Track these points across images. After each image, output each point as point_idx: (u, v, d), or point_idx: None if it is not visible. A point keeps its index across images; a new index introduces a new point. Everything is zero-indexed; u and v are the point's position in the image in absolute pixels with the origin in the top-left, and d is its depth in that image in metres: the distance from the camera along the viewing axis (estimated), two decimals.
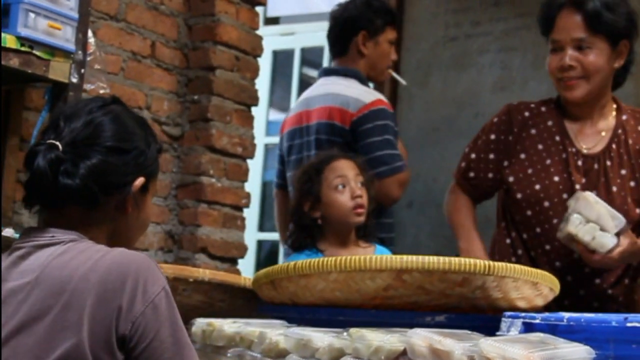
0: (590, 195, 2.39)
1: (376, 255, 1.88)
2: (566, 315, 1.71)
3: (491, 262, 1.82)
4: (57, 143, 1.67)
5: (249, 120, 3.25)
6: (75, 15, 2.37)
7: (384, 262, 1.84)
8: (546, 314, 1.74)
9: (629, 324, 1.61)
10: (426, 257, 1.83)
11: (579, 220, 2.36)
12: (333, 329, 1.82)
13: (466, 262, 1.81)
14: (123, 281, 1.58)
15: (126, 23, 2.98)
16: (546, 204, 2.57)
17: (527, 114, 2.64)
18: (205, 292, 2.16)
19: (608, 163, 2.53)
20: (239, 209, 3.20)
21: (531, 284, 1.91)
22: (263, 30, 3.50)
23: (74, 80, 2.40)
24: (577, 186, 2.52)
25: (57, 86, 2.39)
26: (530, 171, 2.59)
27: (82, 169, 1.66)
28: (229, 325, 1.98)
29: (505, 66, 4.48)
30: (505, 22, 4.51)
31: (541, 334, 1.63)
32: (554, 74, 2.55)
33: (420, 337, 1.57)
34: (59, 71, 2.36)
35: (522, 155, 2.60)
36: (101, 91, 2.80)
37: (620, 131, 2.56)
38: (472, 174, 2.72)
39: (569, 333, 1.65)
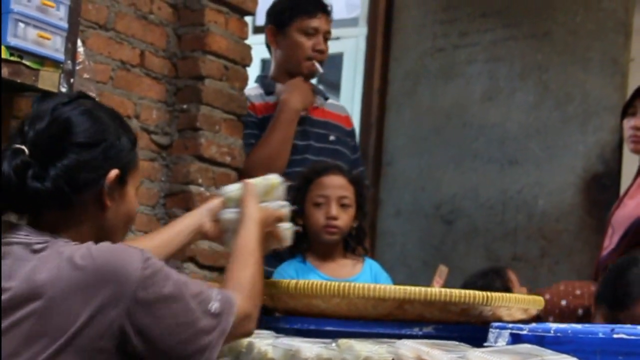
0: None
1: (379, 285, 1.91)
2: (553, 326, 1.73)
3: (489, 294, 1.86)
4: (23, 147, 1.62)
5: (237, 129, 3.26)
6: (65, 25, 2.37)
7: (386, 292, 1.87)
8: (533, 325, 1.76)
9: (615, 335, 1.63)
10: (428, 289, 1.86)
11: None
12: (321, 339, 1.83)
13: (466, 294, 1.85)
14: (99, 281, 1.54)
15: (115, 32, 2.98)
16: None
17: None
18: None
19: None
20: None
21: (523, 310, 1.95)
22: (252, 40, 3.51)
23: (63, 89, 2.40)
24: None
25: (46, 95, 2.39)
26: None
27: (51, 170, 1.62)
28: None
29: (493, 76, 4.50)
30: (493, 33, 4.53)
31: (528, 345, 1.64)
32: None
33: (408, 348, 1.58)
34: (49, 81, 2.35)
35: None
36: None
37: None
38: None
39: (556, 344, 1.66)
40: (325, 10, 3.44)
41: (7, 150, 1.64)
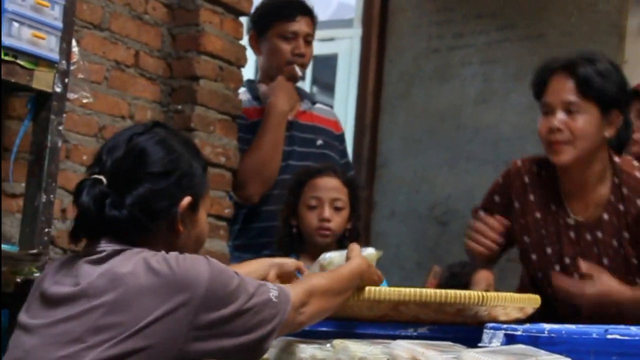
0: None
1: (374, 287, 1.91)
2: (547, 327, 1.73)
3: (484, 294, 1.86)
4: (101, 177, 1.70)
5: (232, 130, 3.25)
6: (60, 24, 2.37)
7: (381, 294, 1.87)
8: (528, 326, 1.76)
9: (609, 336, 1.63)
10: (423, 290, 1.87)
11: None
12: (316, 339, 1.83)
13: (461, 294, 1.85)
14: (176, 280, 1.61)
15: (110, 32, 2.98)
16: (539, 275, 2.61)
17: (527, 179, 2.62)
18: None
19: (599, 234, 2.51)
20: (222, 219, 3.20)
21: (518, 309, 1.95)
22: (247, 41, 3.50)
23: (58, 89, 2.39)
24: (566, 258, 2.53)
25: (41, 95, 2.39)
26: (527, 239, 2.60)
27: (127, 199, 1.68)
28: None
29: (487, 78, 4.51)
30: (487, 35, 4.54)
31: (523, 346, 1.64)
32: (543, 137, 2.51)
33: (403, 349, 1.58)
34: (43, 80, 2.35)
35: (522, 221, 2.60)
36: (84, 100, 2.79)
37: (614, 200, 2.52)
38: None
39: (550, 345, 1.67)
40: (305, 13, 3.41)
41: (86, 180, 1.71)
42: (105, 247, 1.68)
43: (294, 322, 1.73)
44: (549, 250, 2.56)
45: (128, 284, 1.60)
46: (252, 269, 2.09)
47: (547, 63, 2.58)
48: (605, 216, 2.51)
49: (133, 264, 1.63)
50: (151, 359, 1.58)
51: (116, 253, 1.66)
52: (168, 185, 1.72)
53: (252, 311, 1.65)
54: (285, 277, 2.09)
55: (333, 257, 2.10)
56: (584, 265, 2.39)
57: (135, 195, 1.68)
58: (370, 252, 2.11)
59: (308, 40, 3.41)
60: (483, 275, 2.68)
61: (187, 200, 1.74)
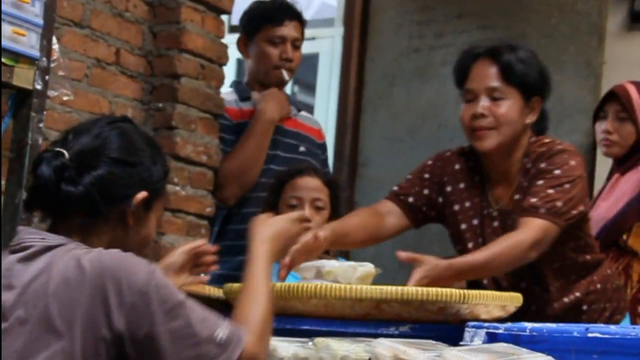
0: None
1: (356, 285, 1.91)
2: (529, 325, 1.74)
3: (466, 292, 1.87)
4: (64, 151, 1.70)
5: (214, 128, 3.24)
6: (40, 21, 2.36)
7: (363, 292, 1.88)
8: (509, 325, 1.77)
9: (590, 335, 1.64)
10: (405, 288, 1.87)
11: None
12: (298, 338, 1.82)
13: (442, 292, 1.86)
14: (103, 280, 1.57)
15: (90, 30, 2.97)
16: None
17: (457, 166, 2.61)
18: None
19: (514, 216, 2.48)
20: (203, 217, 3.19)
21: (500, 307, 1.96)
22: (228, 39, 3.50)
23: (38, 86, 2.38)
24: None
25: (21, 92, 2.37)
26: (464, 227, 2.58)
27: (85, 177, 1.69)
28: None
29: None
30: (468, 35, 4.55)
31: (504, 344, 1.65)
32: (467, 124, 2.51)
33: (385, 347, 1.58)
34: (23, 78, 2.34)
35: (456, 207, 2.58)
36: (65, 98, 2.77)
37: (522, 179, 2.51)
38: (409, 199, 2.65)
39: (532, 343, 1.68)
40: (294, 17, 3.40)
41: (48, 151, 1.72)
42: (36, 239, 1.66)
43: None
44: (470, 245, 2.55)
45: (58, 287, 1.58)
46: (170, 260, 2.10)
47: (468, 50, 2.58)
48: (517, 196, 2.51)
49: (64, 263, 1.60)
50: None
51: (47, 249, 1.65)
52: (128, 175, 1.73)
53: (189, 341, 1.58)
54: None
55: (334, 268, 2.07)
56: (401, 255, 2.26)
57: (94, 175, 1.69)
58: (369, 268, 2.08)
59: (296, 45, 3.40)
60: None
61: (143, 194, 1.74)
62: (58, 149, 1.72)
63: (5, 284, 1.62)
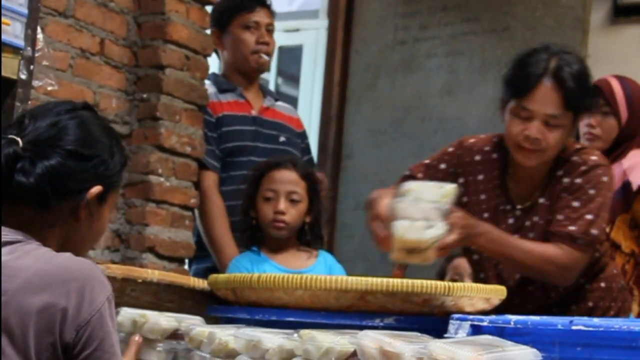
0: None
1: (342, 276, 1.92)
2: (513, 318, 1.74)
3: (451, 284, 1.88)
4: (18, 139, 1.64)
5: (198, 119, 3.24)
6: (25, 11, 2.34)
7: (348, 284, 1.88)
8: (493, 317, 1.77)
9: (574, 327, 1.65)
10: (390, 280, 1.88)
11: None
12: (283, 330, 1.83)
13: (428, 284, 1.87)
14: (69, 287, 1.55)
15: (75, 20, 2.95)
16: (475, 257, 2.62)
17: (477, 157, 2.60)
18: (154, 293, 2.15)
19: (535, 219, 2.51)
20: (188, 208, 3.18)
21: (484, 300, 1.96)
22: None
23: (23, 76, 2.37)
24: None
25: (6, 82, 2.36)
26: None
27: (38, 168, 1.63)
28: (165, 319, 1.98)
29: (453, 70, 4.53)
30: (453, 27, 4.56)
31: (489, 337, 1.65)
32: (515, 140, 2.48)
33: (371, 339, 1.58)
34: (8, 67, 2.32)
35: (465, 199, 2.56)
36: (49, 88, 2.77)
37: (550, 183, 2.53)
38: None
39: (516, 335, 1.68)
40: (264, 4, 3.47)
41: (1, 138, 1.65)
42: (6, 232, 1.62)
43: None
44: None
45: (15, 286, 1.54)
46: None
47: (533, 66, 2.49)
48: (542, 200, 2.53)
49: (28, 263, 1.57)
50: None
51: (6, 244, 1.60)
52: (84, 169, 1.67)
53: None
54: None
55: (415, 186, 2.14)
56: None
57: (46, 166, 1.63)
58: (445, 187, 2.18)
59: (269, 29, 3.46)
60: (458, 263, 2.68)
61: (97, 189, 1.69)
62: (12, 136, 1.65)
63: None
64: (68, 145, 1.67)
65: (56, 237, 1.68)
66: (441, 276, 3.59)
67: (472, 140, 2.65)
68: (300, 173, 2.87)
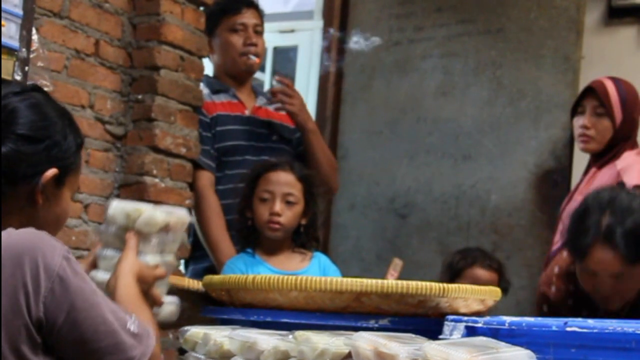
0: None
1: (336, 278, 1.93)
2: (508, 319, 1.75)
3: (445, 285, 1.88)
4: None
5: (193, 120, 3.24)
6: (20, 12, 2.34)
7: (343, 285, 1.89)
8: (488, 318, 1.77)
9: (568, 329, 1.65)
10: (385, 281, 1.88)
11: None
12: (278, 331, 1.83)
13: (422, 285, 1.87)
14: (20, 262, 1.51)
15: (70, 20, 2.95)
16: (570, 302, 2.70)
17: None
18: None
19: None
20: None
21: (479, 301, 1.97)
22: None
23: (18, 77, 2.37)
24: None
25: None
26: None
27: None
28: (159, 212, 1.93)
29: (447, 71, 4.53)
30: (448, 28, 4.56)
31: (484, 338, 1.66)
32: (591, 293, 2.49)
33: (366, 341, 1.58)
34: (3, 68, 2.33)
35: None
36: (44, 89, 2.76)
37: None
38: None
39: (511, 337, 1.68)
40: (250, 5, 3.48)
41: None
42: None
43: None
44: None
45: None
46: None
47: (584, 232, 2.45)
48: None
49: None
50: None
51: None
52: (35, 152, 1.63)
53: (110, 329, 1.55)
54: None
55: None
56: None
57: None
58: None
59: (257, 30, 3.47)
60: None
61: (52, 171, 1.65)
62: None
63: None
64: (18, 129, 1.62)
65: (15, 223, 1.62)
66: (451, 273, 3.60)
67: None
68: (297, 175, 2.88)
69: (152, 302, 1.89)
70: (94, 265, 1.94)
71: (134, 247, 1.86)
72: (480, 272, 3.61)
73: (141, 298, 1.80)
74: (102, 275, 1.89)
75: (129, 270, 1.80)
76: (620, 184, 2.49)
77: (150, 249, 1.91)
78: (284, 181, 2.86)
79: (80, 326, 1.53)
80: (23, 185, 1.64)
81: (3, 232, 1.55)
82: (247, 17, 3.45)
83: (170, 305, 1.98)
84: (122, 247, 1.87)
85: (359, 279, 1.89)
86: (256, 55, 3.45)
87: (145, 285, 1.85)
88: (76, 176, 1.75)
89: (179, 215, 1.95)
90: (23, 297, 1.50)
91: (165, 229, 1.93)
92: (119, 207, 1.91)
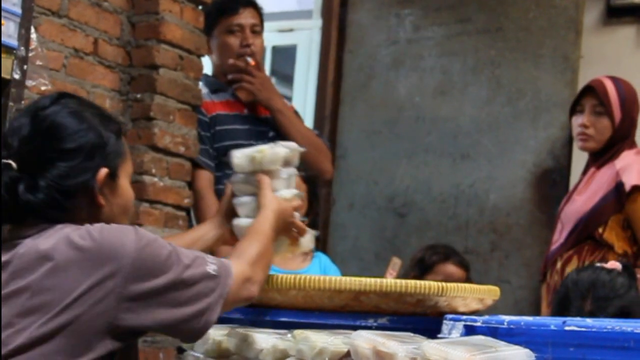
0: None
1: (335, 277, 1.93)
2: (506, 318, 1.75)
3: (445, 284, 1.88)
4: (10, 162, 1.64)
5: (192, 119, 3.24)
6: (18, 10, 2.34)
7: (342, 284, 1.89)
8: (487, 317, 1.77)
9: (567, 328, 1.65)
10: (384, 280, 1.88)
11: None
12: (277, 330, 1.83)
13: (421, 284, 1.87)
14: (103, 254, 1.58)
15: (68, 19, 2.94)
16: None
17: None
18: None
19: None
20: (181, 208, 3.18)
21: (478, 300, 1.97)
22: None
23: (17, 76, 2.36)
24: None
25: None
26: None
27: (41, 181, 1.63)
28: (279, 148, 2.08)
29: (446, 71, 4.53)
30: (447, 28, 4.56)
31: (482, 337, 1.66)
32: None
33: (364, 339, 1.59)
34: (1, 67, 2.32)
35: None
36: (43, 88, 2.76)
37: None
38: None
39: (509, 336, 1.68)
40: (248, 4, 3.46)
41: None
42: (28, 229, 1.64)
43: (241, 296, 1.73)
44: None
45: (51, 262, 1.57)
46: (204, 231, 2.10)
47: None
48: None
49: (55, 241, 1.59)
50: (80, 333, 1.55)
51: (39, 232, 1.62)
52: (82, 160, 1.66)
53: (187, 283, 1.63)
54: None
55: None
56: None
57: (49, 177, 1.64)
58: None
59: (255, 30, 3.45)
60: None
61: (103, 172, 1.69)
62: (5, 161, 1.64)
63: None
64: (60, 144, 1.66)
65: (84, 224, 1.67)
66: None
67: None
68: (301, 176, 2.88)
69: (298, 232, 2.06)
70: (228, 215, 2.11)
71: (268, 185, 1.99)
72: (453, 269, 3.63)
73: (271, 229, 1.92)
74: (244, 221, 2.06)
75: (270, 207, 1.94)
76: (599, 266, 2.43)
77: (282, 184, 2.05)
78: None
79: (161, 292, 1.62)
80: (81, 195, 1.68)
81: (82, 228, 1.62)
82: (244, 18, 3.44)
83: (309, 234, 2.13)
84: (255, 192, 2.01)
85: (357, 278, 1.89)
86: (251, 55, 3.44)
87: (289, 218, 1.99)
88: (127, 162, 1.78)
89: (293, 147, 2.10)
90: (101, 288, 1.56)
91: (287, 162, 2.07)
92: (242, 155, 2.06)
